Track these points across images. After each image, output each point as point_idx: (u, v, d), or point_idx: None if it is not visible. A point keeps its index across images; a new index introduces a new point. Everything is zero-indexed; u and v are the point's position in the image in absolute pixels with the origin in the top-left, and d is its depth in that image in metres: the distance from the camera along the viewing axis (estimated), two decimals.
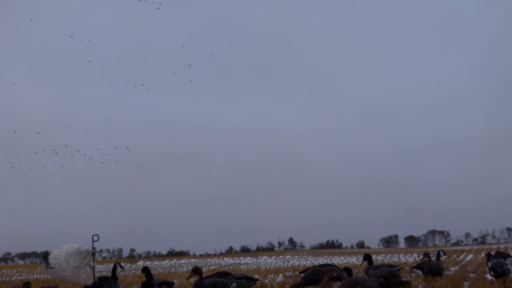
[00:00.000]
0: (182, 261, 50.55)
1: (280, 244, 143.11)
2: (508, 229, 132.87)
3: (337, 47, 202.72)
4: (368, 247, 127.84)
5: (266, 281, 16.42)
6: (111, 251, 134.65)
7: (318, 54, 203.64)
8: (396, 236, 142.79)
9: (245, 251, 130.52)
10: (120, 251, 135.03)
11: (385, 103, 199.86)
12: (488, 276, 12.64)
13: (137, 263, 46.09)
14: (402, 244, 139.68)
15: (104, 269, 31.78)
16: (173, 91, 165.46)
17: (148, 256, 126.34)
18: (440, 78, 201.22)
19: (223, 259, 54.39)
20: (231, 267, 32.43)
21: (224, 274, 11.99)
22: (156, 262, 48.98)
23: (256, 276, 14.82)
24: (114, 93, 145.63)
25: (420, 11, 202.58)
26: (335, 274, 10.57)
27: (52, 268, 12.62)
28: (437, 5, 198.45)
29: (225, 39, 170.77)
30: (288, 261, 39.26)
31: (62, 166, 40.22)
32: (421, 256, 14.33)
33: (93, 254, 12.83)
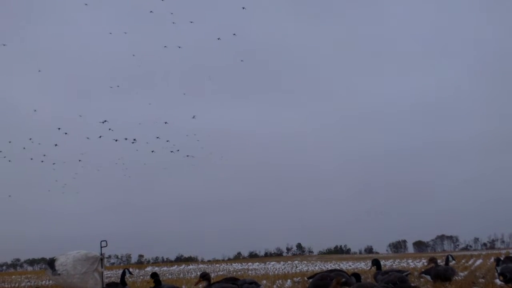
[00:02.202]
0: (191, 266, 50.59)
1: (288, 249, 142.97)
2: None
3: (337, 54, 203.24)
4: (377, 252, 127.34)
5: (274, 286, 16.43)
6: (119, 257, 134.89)
7: (319, 61, 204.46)
8: (404, 241, 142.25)
9: (253, 256, 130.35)
10: (129, 257, 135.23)
11: (387, 106, 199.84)
12: (498, 281, 12.59)
13: (146, 269, 46.14)
14: (410, 249, 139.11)
15: (112, 275, 31.86)
16: (177, 95, 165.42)
17: (156, 262, 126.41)
18: (437, 82, 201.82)
19: (231, 264, 54.40)
20: (239, 273, 32.43)
21: (232, 279, 12.01)
22: (165, 268, 49.04)
23: (264, 282, 14.83)
24: (118, 97, 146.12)
25: (417, 19, 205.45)
26: (343, 279, 10.56)
27: (59, 274, 12.71)
28: (433, 13, 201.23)
29: (230, 50, 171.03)
30: (297, 267, 39.21)
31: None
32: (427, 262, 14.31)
33: (101, 260, 12.88)
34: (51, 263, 12.77)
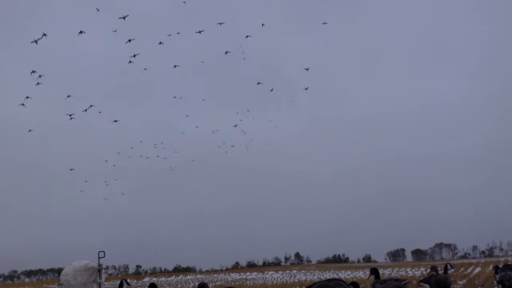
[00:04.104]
0: (188, 277, 50.42)
1: (286, 259, 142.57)
2: None
3: (335, 66, 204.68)
4: (375, 261, 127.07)
5: None
6: (117, 267, 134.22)
7: (317, 70, 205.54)
8: (403, 250, 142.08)
9: (251, 266, 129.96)
10: (126, 267, 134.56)
11: (386, 113, 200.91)
12: None
13: (144, 280, 45.99)
14: (409, 257, 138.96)
15: (110, 286, 31.73)
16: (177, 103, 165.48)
17: (154, 272, 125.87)
18: (437, 91, 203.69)
19: (229, 274, 54.24)
20: (237, 283, 32.34)
21: None
22: (163, 279, 48.88)
23: None
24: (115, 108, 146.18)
25: (411, 34, 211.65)
26: None
27: (61, 284, 12.78)
28: (425, 29, 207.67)
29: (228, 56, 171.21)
30: (295, 276, 39.11)
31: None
32: (429, 270, 14.27)
33: (99, 270, 12.87)
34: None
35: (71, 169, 53.98)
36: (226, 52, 39.40)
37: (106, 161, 58.92)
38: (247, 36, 37.83)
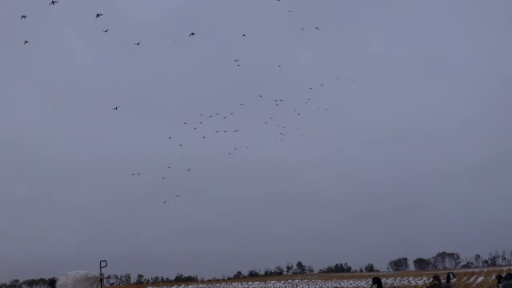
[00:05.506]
0: (190, 286, 50.32)
1: (288, 268, 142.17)
2: None
3: (330, 80, 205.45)
4: (377, 270, 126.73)
5: None
6: (119, 277, 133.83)
7: (312, 86, 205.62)
8: (405, 259, 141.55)
9: (253, 275, 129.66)
10: (128, 277, 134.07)
11: (381, 130, 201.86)
12: None
13: None
14: (411, 267, 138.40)
15: None
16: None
17: (156, 281, 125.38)
18: (426, 107, 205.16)
19: (232, 284, 54.07)
20: None
21: None
22: None
23: None
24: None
25: (405, 49, 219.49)
26: None
27: None
28: (420, 44, 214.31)
29: (222, 76, 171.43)
30: (297, 286, 39.01)
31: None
32: (431, 279, 14.26)
33: (101, 280, 12.85)
34: (52, 283, 12.70)
35: None
36: None
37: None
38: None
